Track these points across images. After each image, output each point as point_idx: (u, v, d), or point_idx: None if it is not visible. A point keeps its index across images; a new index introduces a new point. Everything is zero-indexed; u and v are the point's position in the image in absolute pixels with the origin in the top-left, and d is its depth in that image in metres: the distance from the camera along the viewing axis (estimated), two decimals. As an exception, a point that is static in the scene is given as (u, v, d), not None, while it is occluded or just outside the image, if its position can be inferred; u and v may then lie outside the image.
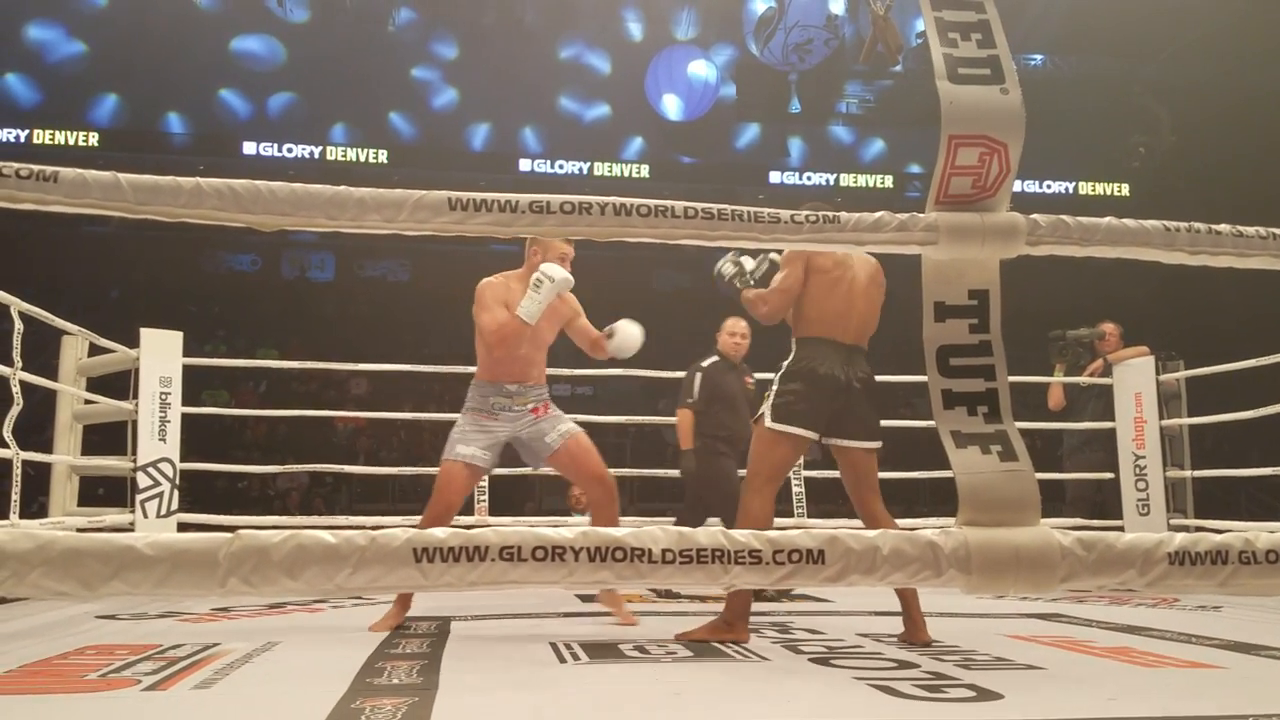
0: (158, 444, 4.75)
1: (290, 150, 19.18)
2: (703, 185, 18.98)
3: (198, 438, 5.72)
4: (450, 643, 2.81)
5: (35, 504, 5.28)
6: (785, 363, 3.06)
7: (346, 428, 13.66)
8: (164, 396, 4.79)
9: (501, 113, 20.18)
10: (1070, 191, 20.61)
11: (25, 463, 3.82)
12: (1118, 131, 19.73)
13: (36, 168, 1.50)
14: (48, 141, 18.21)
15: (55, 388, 4.77)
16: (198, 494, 9.43)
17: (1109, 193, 20.73)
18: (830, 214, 1.71)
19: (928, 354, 1.71)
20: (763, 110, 20.91)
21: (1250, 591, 1.54)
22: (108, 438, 5.14)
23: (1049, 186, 20.42)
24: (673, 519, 4.54)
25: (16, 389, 3.69)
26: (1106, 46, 19.22)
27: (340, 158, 19.36)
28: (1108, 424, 5.51)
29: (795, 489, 5.41)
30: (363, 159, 19.43)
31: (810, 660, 2.55)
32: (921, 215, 1.70)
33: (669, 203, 1.67)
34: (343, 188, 1.58)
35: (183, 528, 4.69)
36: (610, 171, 20.08)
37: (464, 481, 3.31)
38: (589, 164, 20.07)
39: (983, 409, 1.68)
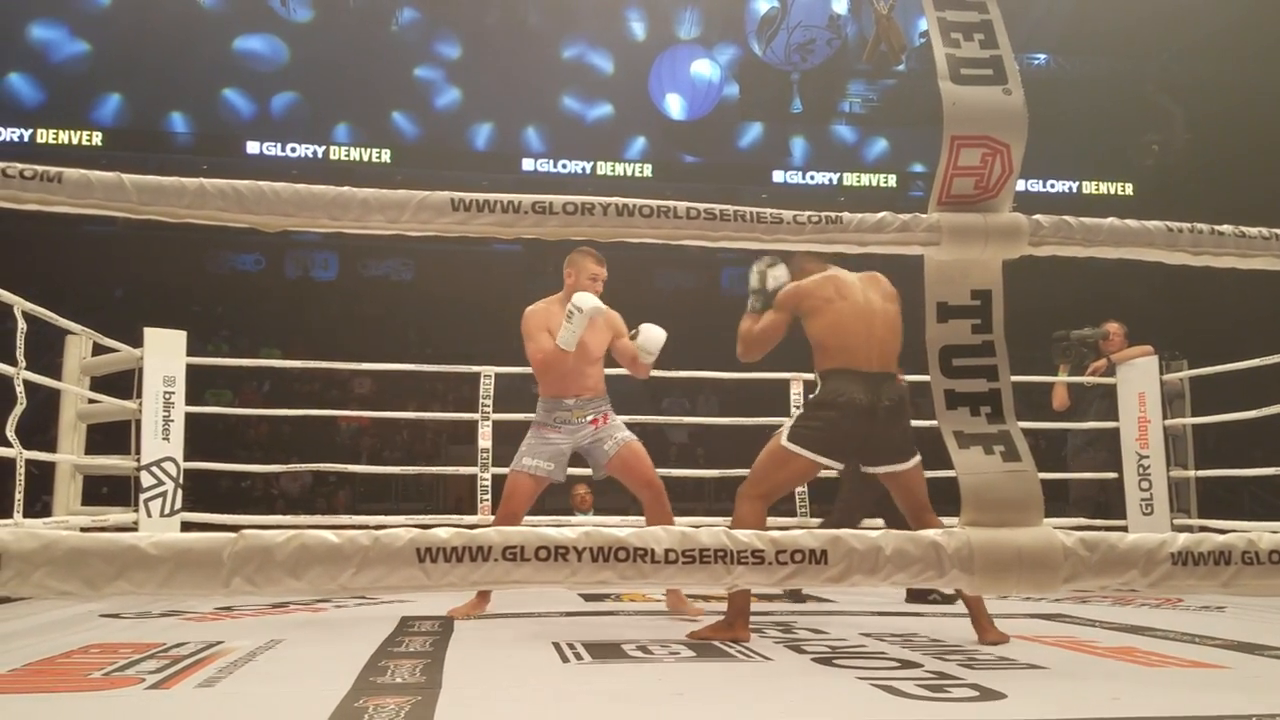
0: (161, 443, 4.75)
1: (293, 150, 19.19)
2: (706, 185, 18.97)
3: (201, 437, 5.73)
4: (453, 642, 2.81)
5: (39, 503, 5.29)
6: (814, 394, 3.08)
7: (350, 427, 13.67)
8: (168, 396, 4.79)
9: (504, 112, 20.18)
10: (1074, 191, 20.58)
11: (29, 462, 3.82)
12: (1122, 131, 19.70)
13: (40, 168, 1.50)
14: (51, 141, 18.22)
15: (59, 387, 4.77)
16: (201, 493, 9.44)
17: (1113, 192, 20.71)
18: (833, 215, 1.71)
19: (930, 354, 1.71)
20: (766, 110, 20.90)
21: (1254, 592, 1.54)
22: (111, 437, 5.15)
23: (1052, 186, 20.40)
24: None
25: (20, 388, 3.70)
26: (1110, 46, 19.20)
27: (343, 157, 19.36)
28: (1112, 424, 5.50)
29: (798, 490, 5.40)
30: (366, 159, 19.43)
31: (813, 660, 2.55)
32: (924, 216, 1.70)
33: (671, 203, 1.67)
34: (346, 188, 1.59)
35: (186, 527, 4.69)
36: (613, 171, 20.07)
37: (529, 491, 3.60)
38: (592, 163, 20.07)
39: (986, 409, 1.68)
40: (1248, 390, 5.15)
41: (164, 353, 4.85)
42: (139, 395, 4.78)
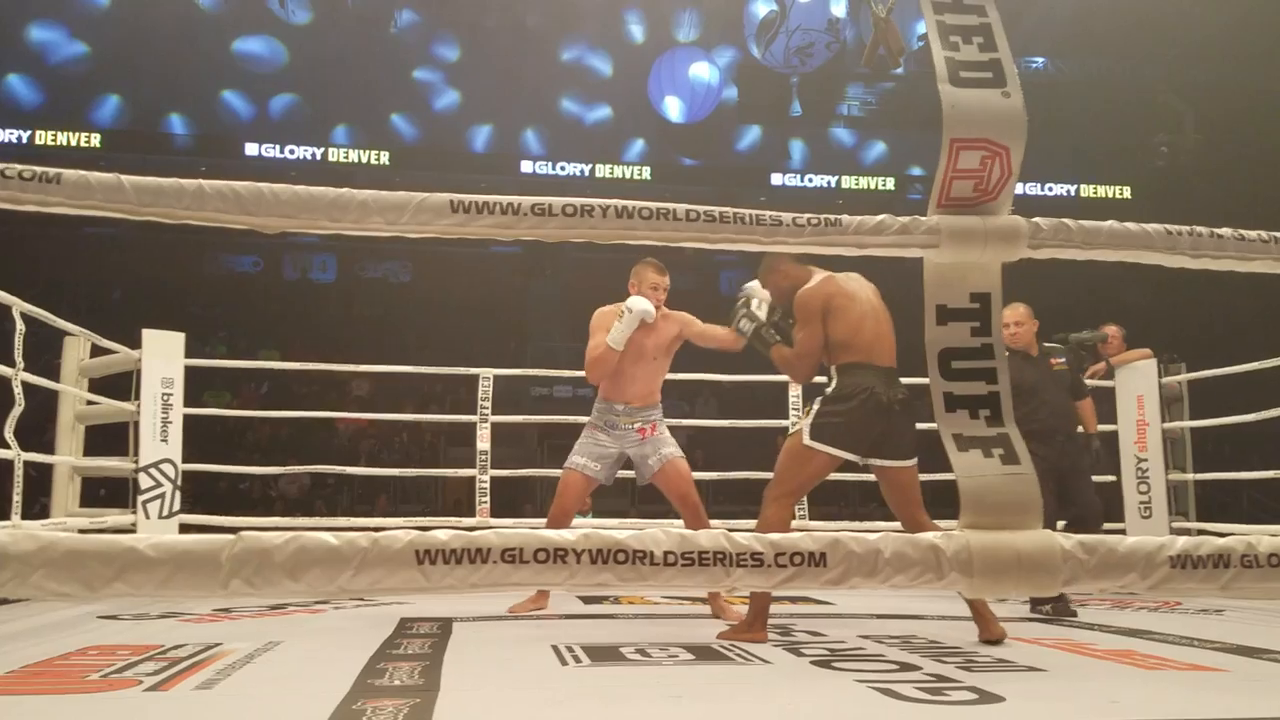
0: (160, 445, 4.75)
1: (292, 151, 19.18)
2: (704, 187, 18.96)
3: (199, 439, 5.72)
4: (452, 644, 2.80)
5: (37, 505, 5.29)
6: (828, 389, 3.07)
7: (348, 429, 13.65)
8: (166, 397, 4.79)
9: (503, 114, 20.19)
10: (1073, 194, 20.60)
11: (27, 464, 3.82)
12: (1121, 134, 19.70)
13: (39, 169, 1.50)
14: (50, 142, 18.21)
15: (57, 388, 4.77)
16: (199, 495, 9.43)
17: (1112, 195, 20.72)
18: (832, 218, 1.71)
19: (929, 357, 1.71)
20: (764, 112, 20.90)
21: (1252, 595, 1.54)
22: (110, 438, 5.14)
23: (1051, 189, 20.42)
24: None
25: (18, 390, 3.69)
26: (1109, 49, 19.22)
27: (342, 159, 19.36)
28: (1110, 427, 5.50)
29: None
30: (364, 160, 19.43)
31: (812, 663, 2.55)
32: (923, 218, 1.70)
33: (671, 205, 1.67)
34: (345, 190, 1.59)
35: (185, 529, 4.69)
36: (612, 173, 20.08)
37: (579, 488, 3.73)
38: (591, 166, 20.07)
39: (985, 412, 1.68)
40: (1246, 393, 5.15)
41: (162, 354, 4.85)
42: (137, 397, 4.77)
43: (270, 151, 19.14)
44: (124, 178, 1.52)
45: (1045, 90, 18.26)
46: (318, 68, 19.16)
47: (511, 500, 9.11)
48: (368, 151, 19.56)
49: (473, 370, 5.50)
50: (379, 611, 3.56)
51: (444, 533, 1.41)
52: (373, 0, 19.34)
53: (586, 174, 19.96)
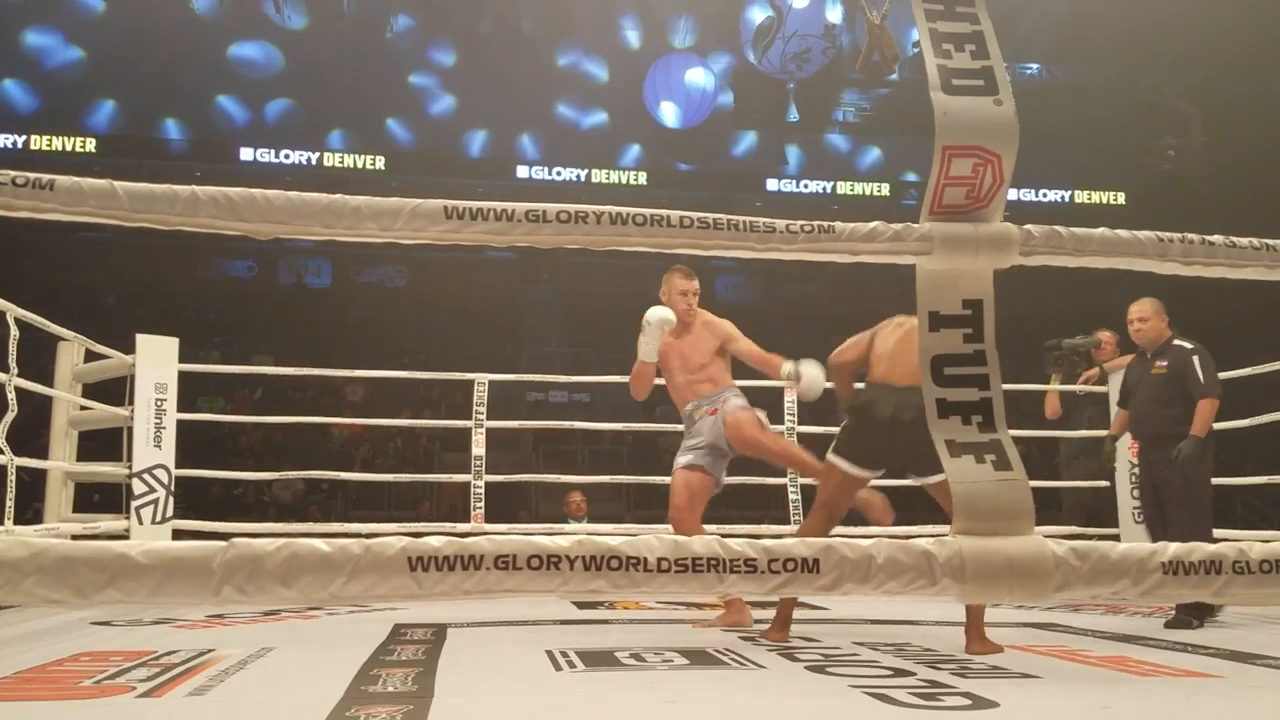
0: (153, 450, 4.74)
1: (287, 157, 19.20)
2: (700, 193, 18.97)
3: (193, 444, 5.71)
4: (446, 650, 2.80)
5: (30, 510, 5.26)
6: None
7: (343, 434, 13.63)
8: (160, 403, 4.78)
9: (499, 119, 20.21)
10: (1067, 200, 20.64)
11: (20, 469, 3.81)
12: (1115, 139, 19.76)
13: (33, 176, 1.50)
14: (45, 147, 18.20)
15: (51, 394, 4.75)
16: (193, 500, 9.39)
17: (1106, 201, 20.76)
18: (825, 225, 1.72)
19: (922, 363, 1.72)
20: (760, 118, 20.93)
21: (1244, 601, 1.55)
22: (103, 444, 5.13)
23: (1045, 195, 20.47)
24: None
25: (12, 395, 3.69)
26: (1102, 55, 19.27)
27: (337, 164, 19.37)
28: (1104, 432, 5.50)
29: (792, 496, 5.40)
30: (360, 165, 19.45)
31: (807, 668, 2.55)
32: (916, 225, 1.71)
33: (665, 212, 1.68)
34: (339, 196, 1.59)
35: (178, 534, 4.68)
36: (608, 179, 20.11)
37: (689, 485, 3.72)
38: (586, 171, 20.11)
39: (977, 418, 1.69)
40: (1239, 399, 5.16)
41: (156, 359, 4.84)
42: (131, 402, 4.76)
43: (265, 156, 19.15)
44: (117, 184, 1.52)
45: (1040, 96, 18.30)
46: (313, 73, 19.16)
47: (506, 505, 9.09)
48: (363, 156, 19.58)
49: (468, 375, 5.49)
50: (373, 617, 3.56)
51: (437, 539, 1.41)
52: (368, 5, 19.33)
53: (582, 179, 19.98)
